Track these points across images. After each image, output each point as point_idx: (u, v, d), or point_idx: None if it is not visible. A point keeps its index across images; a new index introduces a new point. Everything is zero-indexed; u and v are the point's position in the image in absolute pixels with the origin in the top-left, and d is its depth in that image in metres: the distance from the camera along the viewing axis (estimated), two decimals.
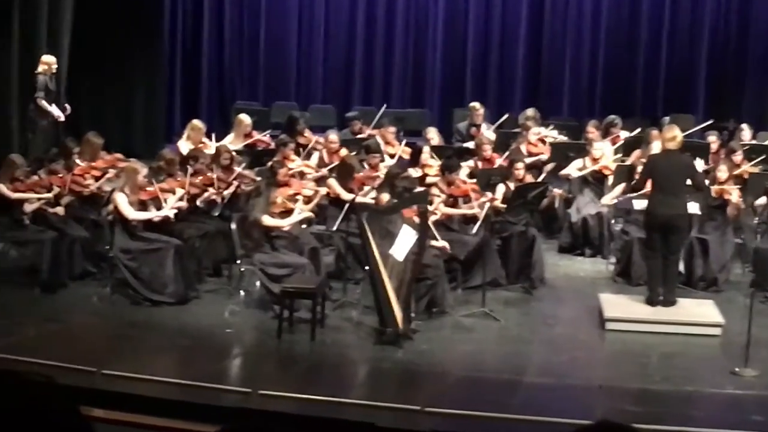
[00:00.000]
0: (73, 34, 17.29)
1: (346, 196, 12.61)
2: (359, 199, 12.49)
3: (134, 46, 18.86)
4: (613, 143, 15.27)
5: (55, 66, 15.93)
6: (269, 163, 13.11)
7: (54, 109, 15.64)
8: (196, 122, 15.09)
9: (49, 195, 12.04)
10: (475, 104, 16.82)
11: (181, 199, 12.13)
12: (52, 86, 15.79)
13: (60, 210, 12.13)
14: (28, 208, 11.93)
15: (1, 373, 2.41)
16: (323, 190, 12.81)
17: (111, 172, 12.91)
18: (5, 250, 12.20)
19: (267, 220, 11.44)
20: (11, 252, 12.21)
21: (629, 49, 20.14)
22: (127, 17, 18.59)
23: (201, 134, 14.74)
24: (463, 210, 12.48)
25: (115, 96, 18.81)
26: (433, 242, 11.28)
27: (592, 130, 15.36)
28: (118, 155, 13.67)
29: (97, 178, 12.86)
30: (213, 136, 14.99)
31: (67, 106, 16.09)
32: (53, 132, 15.77)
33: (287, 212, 11.69)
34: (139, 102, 19.14)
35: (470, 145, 15.47)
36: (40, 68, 15.72)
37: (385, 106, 17.69)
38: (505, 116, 16.90)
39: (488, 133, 15.72)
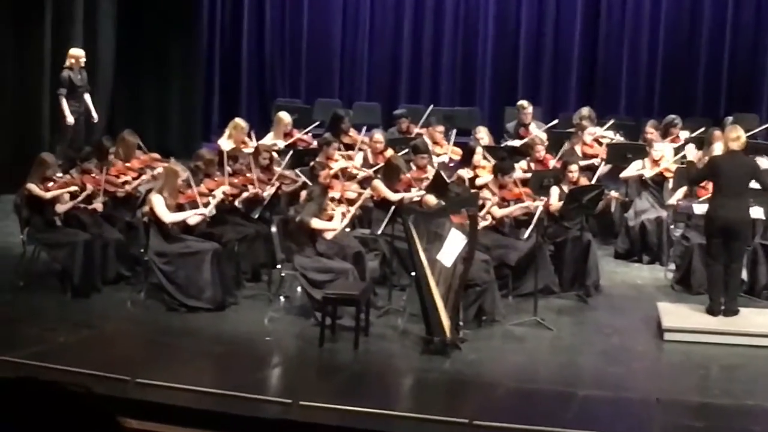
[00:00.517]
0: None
1: (393, 197, 12.36)
2: (407, 197, 12.29)
3: (172, 42, 18.92)
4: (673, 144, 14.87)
5: (83, 59, 15.87)
6: (311, 164, 12.88)
7: (67, 112, 15.55)
8: (238, 121, 14.94)
9: (84, 192, 11.85)
10: (523, 102, 16.47)
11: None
12: (78, 81, 15.75)
13: (99, 206, 11.98)
14: (61, 208, 11.80)
15: (42, 383, 2.40)
16: (367, 192, 12.58)
17: (147, 173, 12.87)
18: (36, 253, 12.03)
19: (316, 223, 11.23)
20: (42, 254, 12.06)
21: (690, 45, 19.81)
22: (165, 12, 18.61)
23: (243, 133, 14.63)
24: (519, 206, 12.17)
25: (152, 93, 18.88)
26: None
27: (651, 131, 15.04)
28: (154, 155, 13.71)
29: (132, 178, 12.77)
30: (253, 134, 14.87)
31: (95, 115, 16.02)
32: (79, 130, 15.74)
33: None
34: (175, 100, 19.16)
35: (516, 143, 15.28)
36: (68, 62, 15.74)
37: (432, 106, 17.33)
38: (555, 121, 16.57)
39: (539, 132, 15.35)
